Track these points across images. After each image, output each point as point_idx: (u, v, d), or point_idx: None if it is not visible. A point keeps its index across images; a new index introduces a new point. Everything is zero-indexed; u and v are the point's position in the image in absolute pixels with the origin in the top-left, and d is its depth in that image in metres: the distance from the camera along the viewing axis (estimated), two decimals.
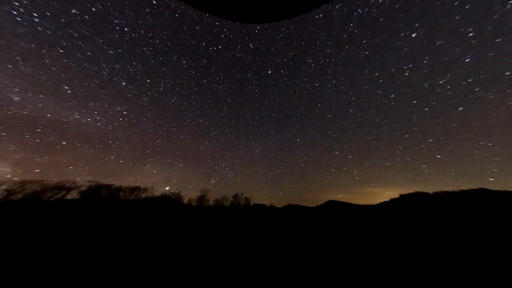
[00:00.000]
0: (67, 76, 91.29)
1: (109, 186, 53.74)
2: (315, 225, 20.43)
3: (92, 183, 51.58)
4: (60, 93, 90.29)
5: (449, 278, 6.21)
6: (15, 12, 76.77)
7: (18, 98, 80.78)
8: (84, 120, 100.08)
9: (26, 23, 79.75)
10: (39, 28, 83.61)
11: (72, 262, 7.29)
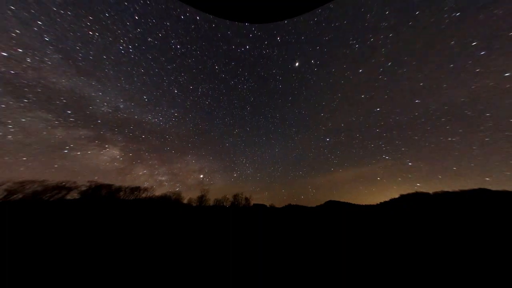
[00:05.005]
0: (145, 89, 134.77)
1: (109, 186, 53.78)
2: (315, 225, 20.43)
3: (92, 183, 51.66)
4: (141, 101, 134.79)
5: (449, 278, 6.22)
6: (120, 47, 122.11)
7: (122, 106, 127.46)
8: (153, 120, 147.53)
9: (125, 54, 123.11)
10: (132, 56, 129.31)
11: (72, 262, 7.30)
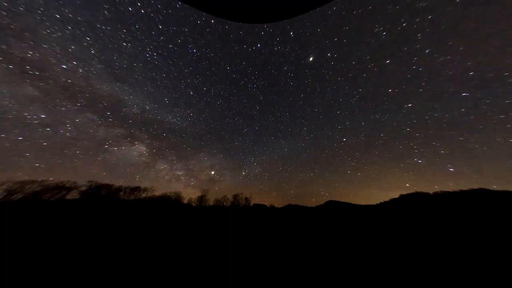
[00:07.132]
0: (166, 91, 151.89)
1: (109, 186, 53.76)
2: (315, 225, 20.42)
3: (92, 183, 51.64)
4: (163, 103, 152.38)
5: (449, 278, 6.21)
6: (147, 55, 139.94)
7: (148, 107, 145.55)
8: (172, 120, 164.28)
9: (151, 60, 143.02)
10: (156, 62, 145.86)
11: (72, 262, 7.29)
